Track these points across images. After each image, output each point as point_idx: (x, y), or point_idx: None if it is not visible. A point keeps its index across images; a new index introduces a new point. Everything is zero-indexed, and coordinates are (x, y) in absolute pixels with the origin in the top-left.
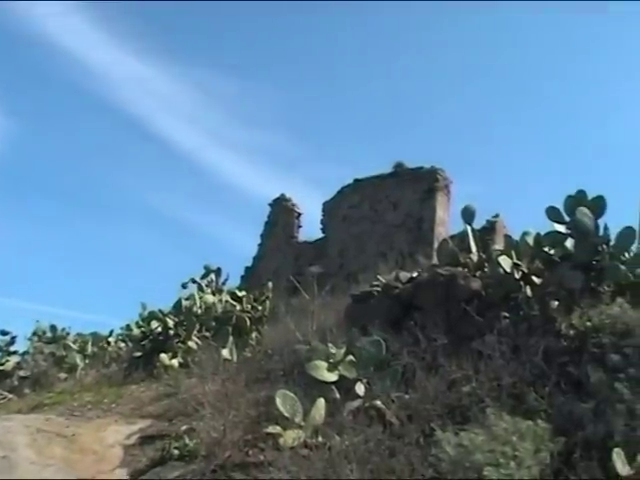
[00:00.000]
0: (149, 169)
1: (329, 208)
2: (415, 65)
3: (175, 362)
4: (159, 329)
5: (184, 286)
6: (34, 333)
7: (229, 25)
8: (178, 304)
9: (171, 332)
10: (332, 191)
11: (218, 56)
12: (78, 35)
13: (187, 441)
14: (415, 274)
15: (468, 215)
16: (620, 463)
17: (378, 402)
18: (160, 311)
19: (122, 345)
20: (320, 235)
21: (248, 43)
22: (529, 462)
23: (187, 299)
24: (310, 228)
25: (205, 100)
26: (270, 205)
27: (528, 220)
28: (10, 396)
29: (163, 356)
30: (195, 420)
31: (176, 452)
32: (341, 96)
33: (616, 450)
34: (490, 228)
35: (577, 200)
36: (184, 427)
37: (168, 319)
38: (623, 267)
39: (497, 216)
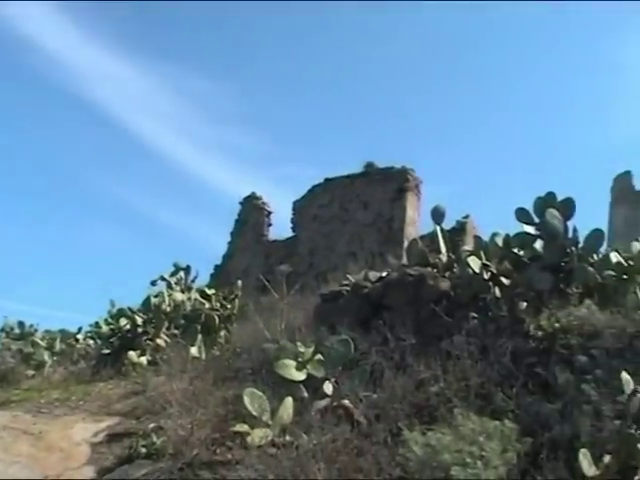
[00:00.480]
0: (121, 166)
1: (299, 207)
2: (387, 66)
3: (143, 360)
4: (128, 326)
5: (153, 283)
6: (2, 329)
7: (203, 24)
8: (147, 302)
9: (140, 330)
10: (303, 190)
11: (192, 55)
12: (55, 35)
13: (155, 439)
14: (384, 274)
15: (438, 215)
16: (586, 463)
17: (346, 401)
18: (129, 308)
19: (90, 342)
20: (290, 234)
21: (222, 42)
22: (496, 462)
23: (156, 297)
24: (280, 227)
25: (179, 98)
26: (240, 203)
27: (498, 221)
28: None
29: (131, 354)
30: (163, 418)
31: (143, 450)
32: (313, 96)
33: (582, 451)
34: (460, 229)
35: (546, 202)
36: (152, 425)
37: (137, 316)
38: (591, 269)
39: (467, 217)
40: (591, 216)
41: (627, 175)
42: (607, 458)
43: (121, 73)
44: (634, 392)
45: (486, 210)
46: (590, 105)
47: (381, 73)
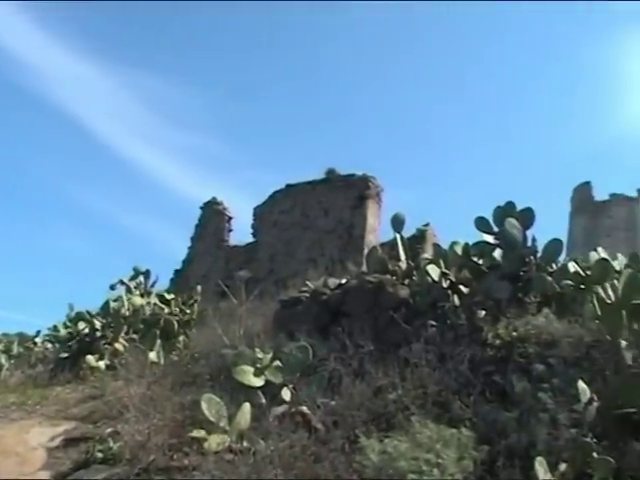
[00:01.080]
0: (82, 168)
1: (260, 213)
2: (350, 74)
3: (102, 364)
4: (86, 330)
5: (112, 287)
6: None
7: (170, 29)
8: (106, 305)
9: (98, 334)
10: (264, 195)
11: (158, 60)
12: (18, 34)
13: (111, 444)
14: (344, 281)
15: (398, 223)
16: (542, 472)
17: (304, 408)
18: (88, 312)
19: (49, 346)
20: (251, 240)
21: (187, 48)
22: (452, 470)
23: (115, 301)
24: (242, 232)
25: (143, 102)
26: (201, 208)
27: (458, 229)
28: None
29: (90, 358)
30: (120, 423)
31: (100, 455)
32: (276, 103)
33: (538, 459)
34: (420, 237)
35: (506, 211)
36: (109, 430)
37: (96, 320)
38: (550, 278)
39: (427, 225)
40: (551, 226)
41: (587, 186)
42: (563, 466)
43: (85, 74)
44: (590, 401)
45: (447, 218)
46: (553, 116)
47: (344, 78)
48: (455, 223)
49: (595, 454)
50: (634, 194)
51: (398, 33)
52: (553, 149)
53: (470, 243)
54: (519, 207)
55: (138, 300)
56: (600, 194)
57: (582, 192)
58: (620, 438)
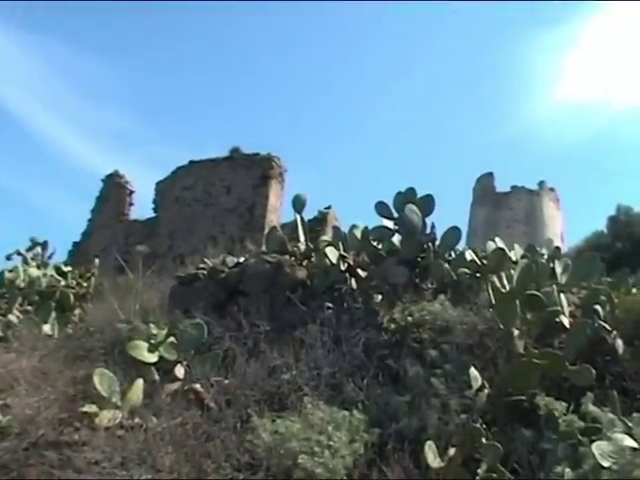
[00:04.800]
0: None
1: (162, 188)
2: (262, 55)
3: None
4: None
5: (8, 258)
6: None
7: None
8: (1, 276)
9: None
10: (168, 171)
11: (68, 27)
12: None
13: (0, 418)
14: (242, 259)
15: (299, 204)
16: (431, 455)
17: (197, 385)
18: None
19: None
20: (152, 215)
21: (101, 17)
22: (343, 452)
23: (10, 271)
24: (143, 207)
25: (53, 72)
26: (103, 181)
27: (362, 214)
28: None
29: None
30: (10, 396)
31: None
32: (186, 79)
33: (428, 443)
34: (321, 219)
35: (406, 197)
36: None
37: None
38: (447, 266)
39: (329, 208)
40: (452, 215)
41: (489, 177)
42: (452, 451)
43: None
44: (481, 388)
45: (350, 203)
46: (459, 107)
47: (256, 61)
48: (358, 208)
49: (484, 440)
50: (535, 187)
51: (310, 15)
52: (458, 139)
53: (370, 227)
54: (420, 194)
55: (34, 271)
56: (502, 186)
57: (484, 183)
58: (509, 425)
